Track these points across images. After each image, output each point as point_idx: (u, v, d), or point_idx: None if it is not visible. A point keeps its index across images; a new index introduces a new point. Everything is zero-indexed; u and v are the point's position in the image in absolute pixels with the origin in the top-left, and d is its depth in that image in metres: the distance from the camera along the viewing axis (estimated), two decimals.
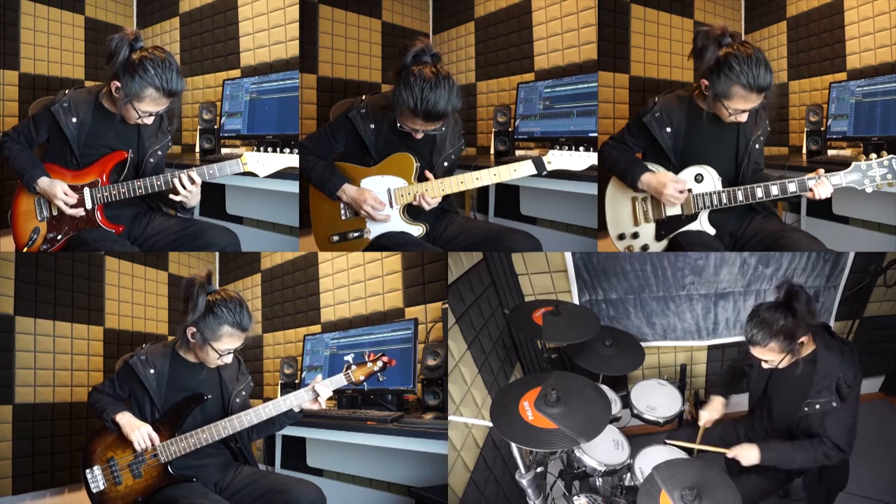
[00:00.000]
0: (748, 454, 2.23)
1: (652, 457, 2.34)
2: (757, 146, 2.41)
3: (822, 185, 2.22)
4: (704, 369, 3.39)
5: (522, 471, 2.04)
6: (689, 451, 2.41)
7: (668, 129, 2.40)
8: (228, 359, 2.23)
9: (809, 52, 3.72)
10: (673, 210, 2.44)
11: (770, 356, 2.13)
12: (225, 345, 2.17)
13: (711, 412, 2.46)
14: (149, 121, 2.34)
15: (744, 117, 2.29)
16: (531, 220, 3.63)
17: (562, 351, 3.04)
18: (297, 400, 2.21)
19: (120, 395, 2.28)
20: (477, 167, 2.45)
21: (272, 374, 3.81)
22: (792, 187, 2.25)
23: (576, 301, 3.09)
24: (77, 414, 3.20)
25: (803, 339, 2.12)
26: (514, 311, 2.73)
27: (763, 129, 2.42)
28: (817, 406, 2.17)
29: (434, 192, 2.44)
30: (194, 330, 2.17)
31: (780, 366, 2.16)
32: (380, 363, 2.28)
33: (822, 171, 2.24)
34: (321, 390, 2.21)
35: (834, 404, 2.15)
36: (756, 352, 2.14)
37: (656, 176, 2.41)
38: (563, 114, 3.39)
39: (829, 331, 2.29)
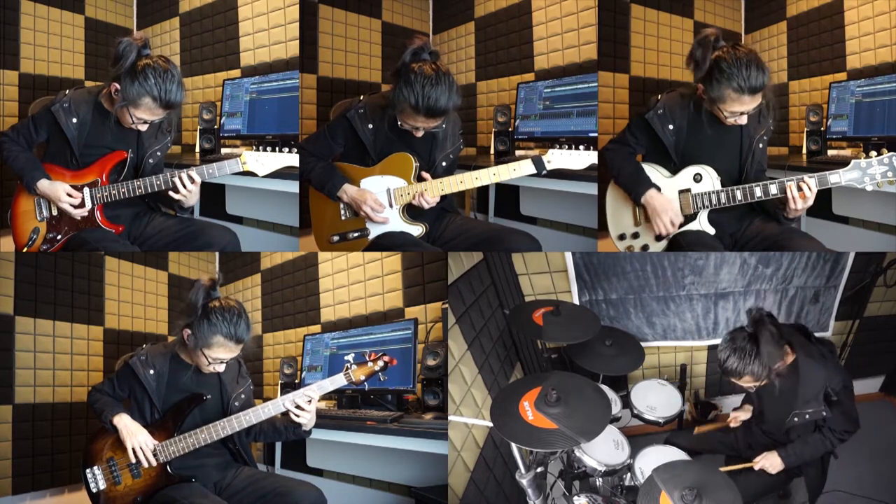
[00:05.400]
0: (773, 462, 2.24)
1: (652, 457, 2.34)
2: (760, 146, 2.40)
3: (803, 200, 2.22)
4: (704, 369, 3.39)
5: (522, 471, 2.04)
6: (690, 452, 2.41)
7: (671, 126, 2.40)
8: (220, 368, 2.21)
9: (809, 52, 3.72)
10: None
11: (746, 384, 2.14)
12: (216, 353, 2.15)
13: (742, 415, 2.51)
14: (143, 128, 2.34)
15: (743, 120, 2.28)
16: (531, 220, 3.63)
17: (562, 351, 3.04)
18: (296, 399, 2.20)
19: (119, 395, 2.28)
20: (477, 167, 2.45)
21: (272, 374, 3.81)
22: (793, 186, 2.24)
23: (576, 301, 3.09)
24: (77, 414, 3.20)
25: (779, 363, 2.11)
26: (514, 311, 2.73)
27: (766, 129, 2.41)
28: (807, 416, 2.17)
29: (433, 191, 2.44)
30: (189, 332, 2.17)
31: (760, 385, 2.17)
32: (381, 363, 2.27)
33: (809, 180, 2.23)
34: (311, 393, 2.20)
35: (823, 413, 2.15)
36: (733, 380, 2.14)
37: (659, 198, 2.40)
38: (563, 114, 3.38)
39: (805, 332, 2.29)
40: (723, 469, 2.30)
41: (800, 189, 2.22)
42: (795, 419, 2.18)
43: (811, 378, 2.15)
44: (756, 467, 2.26)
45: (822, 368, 2.15)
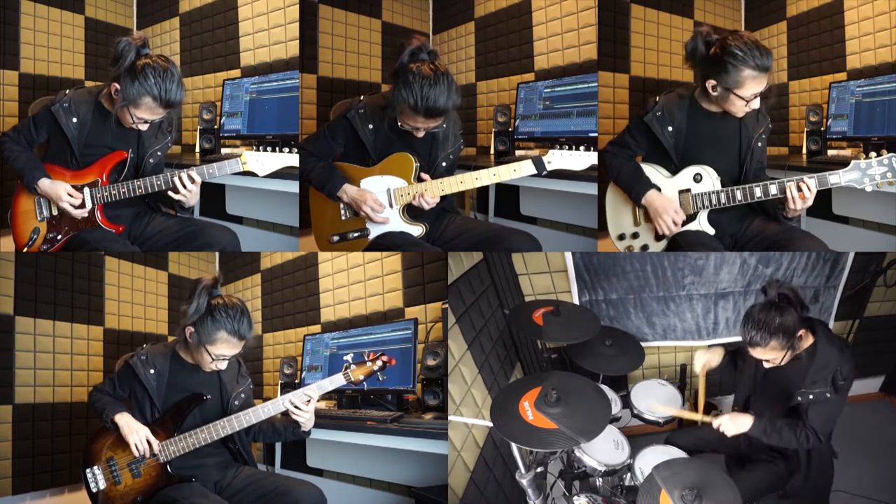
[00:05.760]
0: (739, 421, 2.22)
1: (652, 457, 2.34)
2: (759, 144, 2.40)
3: (801, 200, 2.22)
4: None
5: (522, 471, 2.04)
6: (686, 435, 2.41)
7: (670, 128, 2.40)
8: (222, 365, 2.22)
9: (809, 52, 3.72)
10: None
11: (772, 355, 2.14)
12: (220, 350, 2.17)
13: (712, 357, 2.48)
14: (143, 127, 2.34)
15: (757, 103, 2.27)
16: (531, 220, 3.63)
17: (562, 351, 3.04)
18: (295, 399, 2.20)
19: (120, 394, 2.29)
20: (477, 167, 2.45)
21: (272, 374, 3.81)
22: (792, 186, 2.24)
23: (576, 301, 3.09)
24: (77, 414, 3.20)
25: (801, 332, 2.14)
26: (514, 311, 2.73)
27: (765, 128, 2.42)
28: (811, 396, 2.18)
29: (433, 192, 2.44)
30: (192, 330, 2.17)
31: (782, 363, 2.17)
32: (379, 362, 2.27)
33: (808, 180, 2.23)
34: (311, 392, 2.20)
35: (828, 395, 2.15)
36: (757, 353, 2.15)
37: (659, 198, 2.40)
38: (563, 114, 3.39)
39: (825, 324, 2.31)
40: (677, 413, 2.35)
41: (799, 189, 2.22)
42: (799, 398, 2.19)
43: (825, 360, 2.16)
44: (715, 424, 2.25)
45: (836, 353, 2.17)
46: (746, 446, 2.45)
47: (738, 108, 2.29)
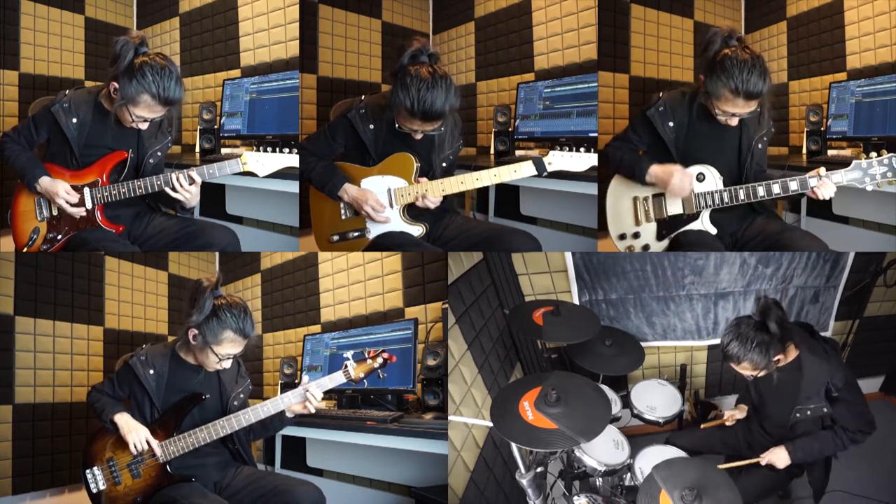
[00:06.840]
0: (780, 457, 2.24)
1: (652, 457, 2.34)
2: (759, 146, 2.40)
3: (824, 186, 2.22)
4: (704, 369, 3.39)
5: (522, 471, 2.03)
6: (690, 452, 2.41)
7: (671, 124, 2.40)
8: (227, 364, 2.23)
9: (809, 52, 3.72)
10: (674, 209, 2.44)
11: (746, 372, 2.15)
12: (225, 350, 2.17)
13: (738, 413, 2.50)
14: (143, 126, 2.34)
15: (734, 121, 2.29)
16: (531, 220, 3.63)
17: (562, 351, 3.04)
18: (295, 399, 2.21)
19: (120, 394, 2.29)
20: (477, 167, 2.45)
21: (272, 374, 3.81)
22: (794, 185, 2.25)
23: (576, 301, 3.09)
24: (77, 414, 3.20)
25: (779, 355, 2.13)
26: (514, 311, 2.73)
27: (767, 130, 2.42)
28: (808, 412, 2.18)
29: (434, 191, 2.44)
30: (196, 332, 2.17)
31: (759, 376, 2.17)
32: (380, 360, 2.27)
33: (822, 170, 2.23)
34: (313, 391, 2.21)
35: (825, 409, 2.15)
36: (732, 366, 2.16)
37: (663, 167, 2.41)
38: (563, 114, 3.38)
39: (811, 330, 2.31)
40: (725, 466, 2.30)
41: (812, 189, 2.23)
42: (798, 415, 2.19)
43: (813, 374, 2.16)
44: (763, 462, 2.26)
45: (824, 364, 2.16)
46: (746, 447, 2.45)
47: (716, 116, 2.30)
